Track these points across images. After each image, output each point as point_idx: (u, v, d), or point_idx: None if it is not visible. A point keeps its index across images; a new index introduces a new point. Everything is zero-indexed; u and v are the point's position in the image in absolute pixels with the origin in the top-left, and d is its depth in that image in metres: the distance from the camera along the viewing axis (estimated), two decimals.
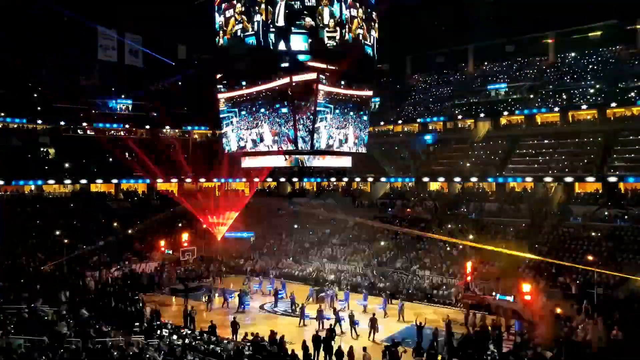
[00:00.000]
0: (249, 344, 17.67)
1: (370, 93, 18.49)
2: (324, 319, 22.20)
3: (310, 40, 15.40)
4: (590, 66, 41.73)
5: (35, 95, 46.67)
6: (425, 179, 41.81)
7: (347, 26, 16.04)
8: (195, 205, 37.67)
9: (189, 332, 20.02)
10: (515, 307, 23.44)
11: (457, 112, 45.30)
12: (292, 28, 15.24)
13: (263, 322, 23.20)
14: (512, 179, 37.43)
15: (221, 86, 18.38)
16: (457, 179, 39.54)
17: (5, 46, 42.43)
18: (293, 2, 15.14)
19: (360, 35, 16.84)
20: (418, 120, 47.31)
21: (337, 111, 17.11)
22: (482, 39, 47.00)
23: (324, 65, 16.13)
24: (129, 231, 37.98)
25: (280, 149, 16.69)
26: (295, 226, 40.43)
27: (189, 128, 52.63)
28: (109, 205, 42.59)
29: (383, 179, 43.87)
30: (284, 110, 16.15)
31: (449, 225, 34.90)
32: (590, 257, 27.19)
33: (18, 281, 25.82)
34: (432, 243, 33.10)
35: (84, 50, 46.29)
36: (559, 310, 21.96)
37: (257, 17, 15.38)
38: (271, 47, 15.33)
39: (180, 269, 33.24)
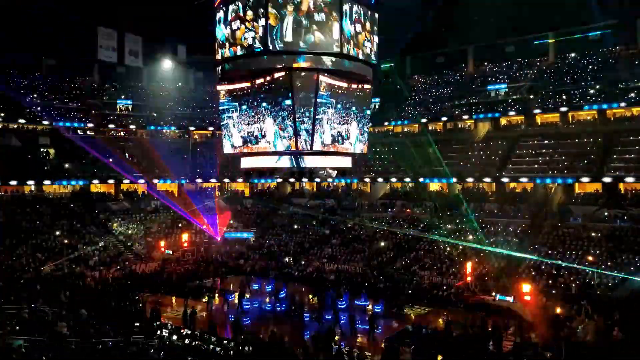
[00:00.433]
0: (249, 344, 17.66)
1: (370, 86, 18.45)
2: (324, 319, 22.20)
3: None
4: (590, 66, 41.73)
5: (36, 95, 46.68)
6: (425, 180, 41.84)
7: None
8: None
9: (189, 332, 20.02)
10: (515, 308, 23.46)
11: (457, 112, 45.31)
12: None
13: (263, 322, 23.18)
14: (512, 179, 37.45)
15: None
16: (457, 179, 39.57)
17: (5, 46, 42.48)
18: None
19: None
20: (418, 120, 47.35)
21: (339, 105, 17.05)
22: (482, 40, 47.01)
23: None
24: (129, 231, 38.05)
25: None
26: (295, 226, 40.44)
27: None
28: (109, 205, 42.59)
29: (382, 179, 43.87)
30: (287, 102, 15.99)
31: (449, 226, 34.92)
32: (590, 258, 27.22)
33: (18, 281, 25.83)
34: (432, 243, 33.14)
35: (84, 50, 46.36)
36: (559, 310, 21.97)
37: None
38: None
39: (180, 269, 33.23)
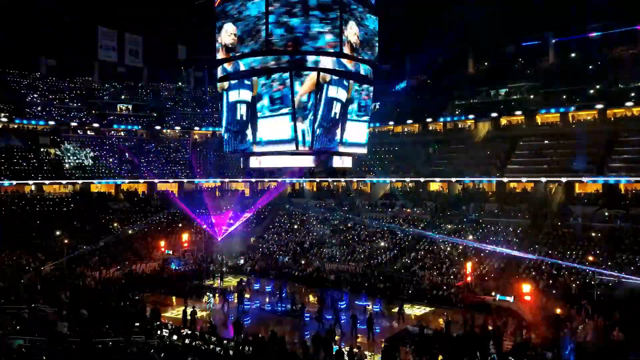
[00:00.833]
0: (249, 344, 17.66)
1: (370, 87, 18.35)
2: (324, 319, 22.20)
3: None
4: (590, 66, 41.72)
5: (36, 95, 46.69)
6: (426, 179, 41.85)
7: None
8: None
9: (189, 332, 20.02)
10: (515, 308, 23.45)
11: (457, 112, 45.29)
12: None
13: (263, 322, 23.18)
14: (512, 179, 37.44)
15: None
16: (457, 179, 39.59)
17: (5, 46, 42.46)
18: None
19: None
20: (418, 120, 47.33)
21: (340, 105, 16.85)
22: (482, 40, 46.98)
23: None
24: (129, 231, 38.05)
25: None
26: (296, 226, 40.45)
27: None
28: (109, 205, 42.60)
29: (382, 179, 43.88)
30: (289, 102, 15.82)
31: (449, 226, 34.92)
32: (590, 258, 27.22)
33: (18, 281, 25.83)
34: (432, 243, 33.14)
35: (84, 50, 46.35)
36: (559, 311, 21.97)
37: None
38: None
39: (180, 269, 33.24)
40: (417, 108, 48.65)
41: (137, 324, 19.71)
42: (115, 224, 38.98)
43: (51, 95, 47.51)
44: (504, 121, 43.67)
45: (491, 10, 40.13)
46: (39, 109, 45.78)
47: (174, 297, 28.31)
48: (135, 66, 49.34)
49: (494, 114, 42.83)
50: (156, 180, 46.56)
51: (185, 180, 47.90)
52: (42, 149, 44.24)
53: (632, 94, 36.83)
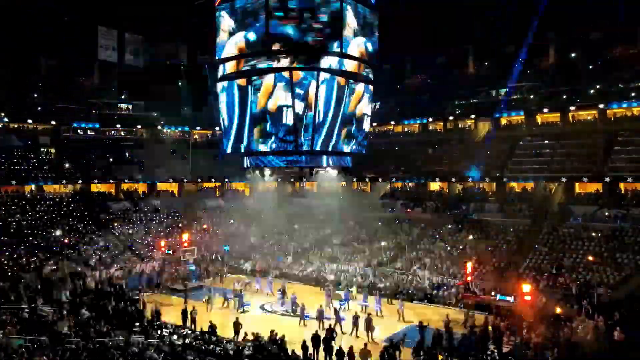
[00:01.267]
0: (249, 344, 17.66)
1: (371, 86, 18.40)
2: (324, 319, 22.19)
3: None
4: (590, 66, 41.70)
5: (36, 95, 46.67)
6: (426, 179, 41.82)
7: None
8: None
9: (189, 332, 20.01)
10: (515, 308, 23.42)
11: (457, 112, 45.26)
12: None
13: (263, 322, 23.18)
14: (512, 179, 37.41)
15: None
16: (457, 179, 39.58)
17: (5, 46, 42.45)
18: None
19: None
20: (418, 120, 47.29)
21: (340, 105, 16.95)
22: (482, 39, 46.92)
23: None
24: (130, 231, 38.00)
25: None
26: (296, 226, 40.41)
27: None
28: (109, 205, 42.54)
29: (382, 180, 43.83)
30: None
31: (449, 226, 34.89)
32: (590, 257, 27.20)
33: (18, 281, 25.82)
34: (432, 243, 33.11)
35: (84, 50, 46.34)
36: (559, 311, 21.96)
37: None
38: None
39: (180, 269, 33.19)
40: (417, 108, 48.67)
41: (137, 324, 19.73)
42: (116, 224, 38.93)
43: (51, 95, 47.46)
44: (504, 121, 43.64)
45: (491, 10, 40.23)
46: (39, 109, 45.72)
47: (173, 297, 28.31)
48: (135, 66, 49.39)
49: (494, 114, 42.73)
50: (156, 181, 46.56)
51: (185, 180, 47.86)
52: (42, 149, 44.22)
53: (632, 94, 36.81)
